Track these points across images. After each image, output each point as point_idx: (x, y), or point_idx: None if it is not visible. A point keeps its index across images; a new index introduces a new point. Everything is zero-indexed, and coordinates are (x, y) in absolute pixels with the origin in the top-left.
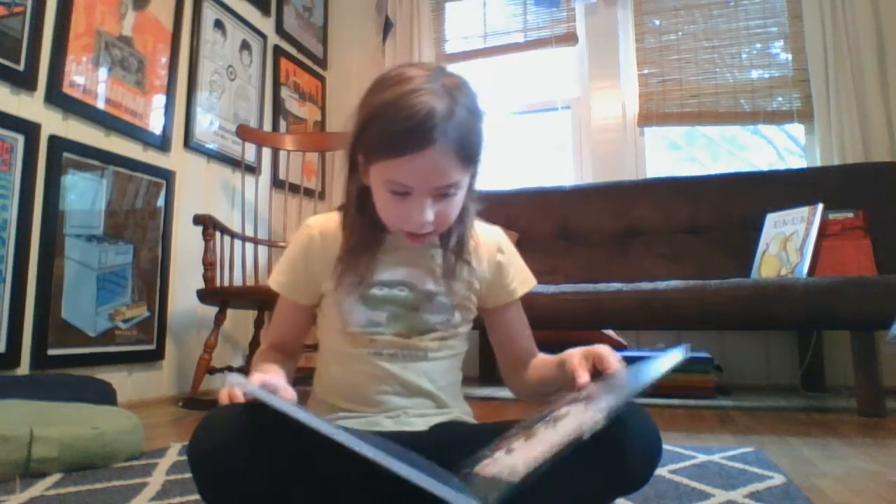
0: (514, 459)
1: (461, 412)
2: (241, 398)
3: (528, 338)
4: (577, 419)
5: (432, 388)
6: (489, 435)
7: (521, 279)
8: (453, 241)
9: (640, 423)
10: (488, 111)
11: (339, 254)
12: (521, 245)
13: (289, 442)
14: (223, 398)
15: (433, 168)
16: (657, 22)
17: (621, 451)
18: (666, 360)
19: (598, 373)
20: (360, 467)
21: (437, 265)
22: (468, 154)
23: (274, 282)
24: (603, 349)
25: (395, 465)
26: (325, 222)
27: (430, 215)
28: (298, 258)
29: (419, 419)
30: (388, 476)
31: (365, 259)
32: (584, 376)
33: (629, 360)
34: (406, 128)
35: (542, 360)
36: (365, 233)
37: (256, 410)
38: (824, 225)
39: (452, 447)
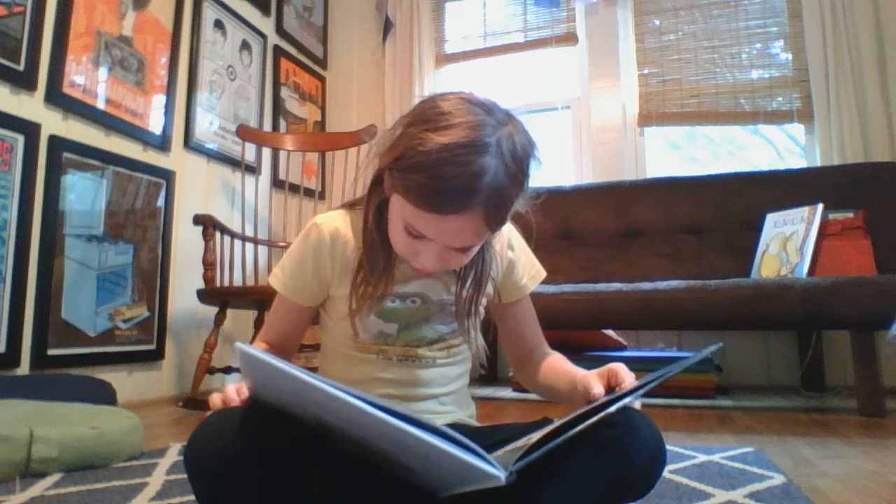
0: (526, 439)
1: (465, 415)
2: (236, 401)
3: (537, 330)
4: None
5: (439, 393)
6: (491, 436)
7: (532, 274)
8: (470, 280)
9: (646, 431)
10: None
11: (355, 264)
12: None
13: (286, 446)
14: (215, 403)
15: (456, 232)
16: (657, 22)
17: (628, 457)
18: (692, 357)
19: (611, 390)
20: (361, 464)
21: (452, 277)
22: (498, 222)
23: (277, 282)
24: (618, 366)
25: (411, 429)
26: (335, 223)
27: (438, 264)
28: (307, 260)
29: None
30: (389, 473)
31: (383, 276)
32: (598, 388)
33: (662, 360)
34: (441, 189)
35: (556, 368)
36: (384, 248)
37: (253, 415)
38: (824, 225)
39: None
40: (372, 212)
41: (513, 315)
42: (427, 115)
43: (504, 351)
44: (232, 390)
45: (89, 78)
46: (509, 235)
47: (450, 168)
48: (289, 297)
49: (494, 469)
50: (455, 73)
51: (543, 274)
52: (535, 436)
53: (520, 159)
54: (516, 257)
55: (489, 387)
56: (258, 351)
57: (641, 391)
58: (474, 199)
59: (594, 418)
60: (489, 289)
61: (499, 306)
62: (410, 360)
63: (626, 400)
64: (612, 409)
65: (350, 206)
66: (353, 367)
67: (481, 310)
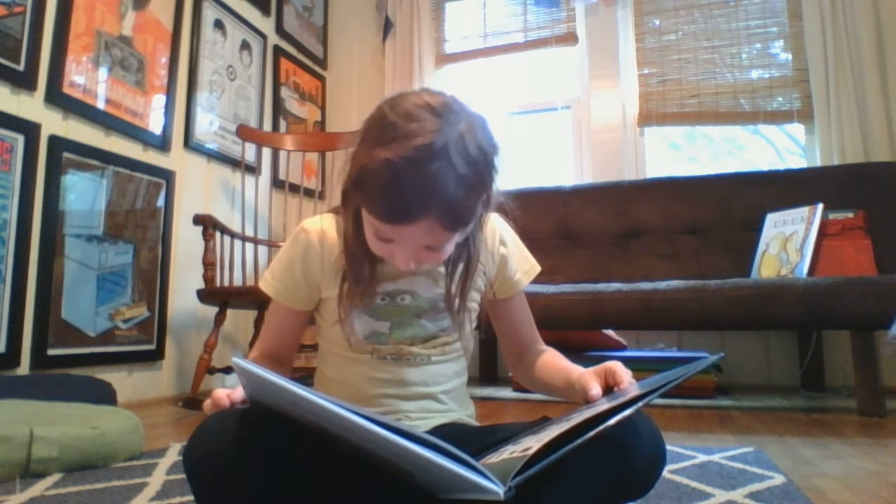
0: (525, 444)
1: (464, 414)
2: (226, 403)
3: (532, 327)
4: (594, 410)
5: (436, 392)
6: (491, 435)
7: (525, 269)
8: (458, 273)
9: (646, 431)
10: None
11: (341, 265)
12: None
13: (286, 447)
14: (207, 408)
15: (418, 236)
16: (657, 22)
17: (628, 457)
18: (694, 366)
19: (609, 389)
20: (361, 465)
21: (441, 273)
22: (457, 224)
23: (268, 286)
24: (615, 364)
25: (410, 446)
26: (322, 226)
27: (412, 264)
28: (296, 263)
29: (421, 421)
30: (387, 473)
31: (367, 277)
32: (596, 388)
33: (661, 360)
34: (391, 203)
35: (552, 365)
36: (366, 255)
37: (253, 416)
38: (824, 225)
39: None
40: (349, 221)
41: (507, 312)
42: (374, 128)
43: (500, 348)
44: (222, 394)
45: (89, 78)
46: (501, 231)
47: (396, 183)
48: (280, 300)
49: (493, 485)
50: (455, 73)
51: (538, 269)
52: (535, 446)
53: (473, 160)
54: (509, 252)
55: (489, 387)
56: (253, 365)
57: (641, 403)
58: (426, 210)
59: (593, 432)
60: (480, 283)
61: (494, 303)
62: (404, 358)
63: (627, 412)
64: (612, 421)
65: (337, 210)
66: (349, 367)
67: (474, 304)
